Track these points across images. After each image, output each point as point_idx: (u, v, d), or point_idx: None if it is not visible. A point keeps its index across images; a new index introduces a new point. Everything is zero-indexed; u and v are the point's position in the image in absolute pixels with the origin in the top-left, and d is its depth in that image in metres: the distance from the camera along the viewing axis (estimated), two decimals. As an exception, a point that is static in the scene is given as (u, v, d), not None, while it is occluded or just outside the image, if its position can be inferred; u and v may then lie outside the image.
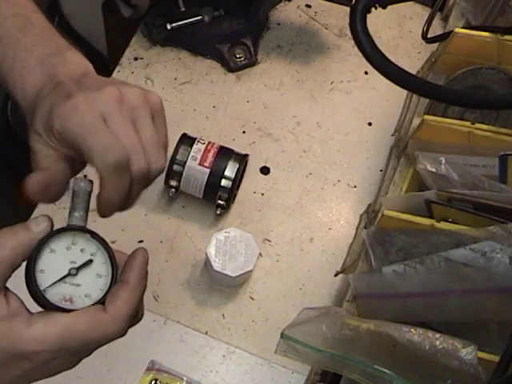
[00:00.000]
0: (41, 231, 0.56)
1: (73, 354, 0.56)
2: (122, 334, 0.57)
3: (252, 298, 1.06)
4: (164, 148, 0.61)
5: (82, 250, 0.56)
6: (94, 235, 0.58)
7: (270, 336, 0.99)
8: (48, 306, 0.55)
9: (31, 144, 0.60)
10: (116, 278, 0.57)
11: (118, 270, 0.57)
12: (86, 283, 0.56)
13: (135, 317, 0.58)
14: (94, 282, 0.56)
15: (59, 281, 0.55)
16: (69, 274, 0.55)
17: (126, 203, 0.60)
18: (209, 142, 1.08)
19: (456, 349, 0.65)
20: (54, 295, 0.55)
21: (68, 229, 0.57)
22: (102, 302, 0.56)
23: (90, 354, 0.57)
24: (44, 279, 0.55)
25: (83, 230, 0.58)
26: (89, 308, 0.55)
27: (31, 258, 0.55)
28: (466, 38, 0.91)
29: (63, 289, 0.55)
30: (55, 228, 0.57)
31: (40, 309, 0.56)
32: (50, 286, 0.55)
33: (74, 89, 0.59)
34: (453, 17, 1.08)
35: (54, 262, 0.55)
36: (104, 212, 0.60)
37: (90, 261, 0.56)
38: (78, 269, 0.56)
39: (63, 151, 0.58)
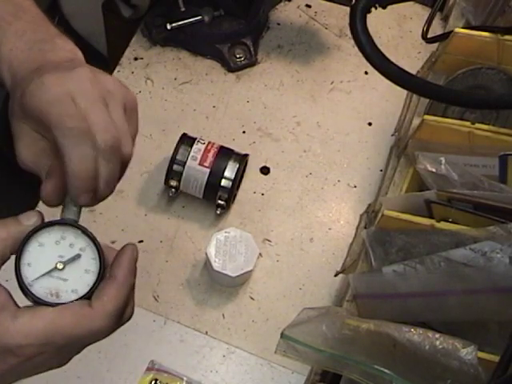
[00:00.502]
0: (31, 225, 0.56)
1: (59, 349, 0.55)
2: (110, 331, 0.56)
3: (252, 298, 1.06)
4: (132, 140, 0.60)
5: (70, 245, 0.56)
6: (84, 230, 0.57)
7: (269, 336, 0.99)
8: (34, 300, 0.55)
9: (12, 125, 0.59)
10: (104, 274, 0.56)
11: (106, 266, 0.57)
12: (73, 278, 0.56)
13: (123, 313, 0.57)
14: (81, 278, 0.56)
15: (46, 274, 0.55)
16: (55, 268, 0.55)
17: (94, 184, 0.57)
18: (209, 142, 1.08)
19: (456, 349, 0.65)
20: (40, 289, 0.55)
21: (57, 223, 0.57)
22: (88, 297, 0.56)
23: (79, 351, 0.57)
24: (31, 272, 0.55)
25: (73, 224, 0.57)
26: (74, 303, 0.55)
27: (18, 250, 0.55)
28: (466, 38, 0.91)
29: (50, 283, 0.55)
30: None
31: (28, 302, 0.56)
32: (36, 279, 0.55)
33: (49, 69, 0.58)
34: (453, 17, 1.08)
35: (41, 256, 0.55)
36: (74, 191, 0.57)
37: (78, 256, 0.56)
38: (66, 263, 0.55)
39: (38, 132, 0.58)
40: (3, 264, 0.55)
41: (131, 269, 0.57)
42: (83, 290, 0.56)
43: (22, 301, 0.55)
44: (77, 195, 0.57)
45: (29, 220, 0.56)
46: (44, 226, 0.56)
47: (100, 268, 0.56)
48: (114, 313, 0.55)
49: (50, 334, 0.53)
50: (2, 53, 0.62)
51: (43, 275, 0.55)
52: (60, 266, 0.55)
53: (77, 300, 0.55)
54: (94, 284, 0.56)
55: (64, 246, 0.56)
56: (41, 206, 1.08)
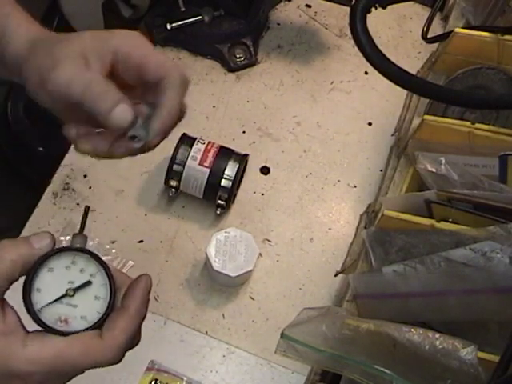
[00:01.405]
0: (42, 247, 0.55)
1: (64, 376, 0.55)
2: (117, 361, 0.56)
3: (252, 298, 1.06)
4: None
5: (81, 271, 0.55)
6: (95, 256, 0.56)
7: (269, 336, 0.99)
8: (42, 326, 0.54)
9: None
10: (114, 302, 0.55)
11: (116, 294, 0.56)
12: (82, 305, 0.55)
13: (131, 343, 0.57)
14: (91, 304, 0.55)
15: (55, 301, 0.54)
16: (66, 295, 0.54)
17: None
18: (209, 142, 1.08)
19: (456, 349, 0.65)
20: (49, 315, 0.54)
21: (69, 249, 0.56)
22: (98, 325, 0.55)
23: (82, 373, 0.57)
24: (40, 298, 0.54)
25: (84, 250, 0.56)
26: (85, 333, 0.54)
27: (28, 275, 0.54)
28: (465, 38, 0.91)
29: (59, 309, 0.54)
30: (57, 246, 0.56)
31: (35, 325, 0.55)
32: (46, 305, 0.54)
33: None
34: (453, 17, 1.08)
35: (51, 281, 0.54)
36: (163, 129, 0.61)
37: (89, 282, 0.55)
38: (76, 290, 0.55)
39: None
40: (11, 285, 0.55)
41: (144, 300, 0.56)
42: (93, 317, 0.55)
43: (30, 323, 0.55)
44: (163, 132, 0.61)
45: (40, 243, 0.55)
46: (55, 251, 0.55)
47: (111, 295, 0.55)
48: (123, 345, 0.55)
49: (59, 364, 0.54)
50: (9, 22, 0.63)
51: (53, 302, 0.54)
52: (70, 292, 0.55)
53: (87, 329, 0.55)
54: (105, 312, 0.55)
55: (74, 272, 0.55)
56: (41, 206, 1.08)
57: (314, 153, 1.19)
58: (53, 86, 0.58)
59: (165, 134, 0.61)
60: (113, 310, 0.55)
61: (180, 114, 0.62)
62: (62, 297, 0.54)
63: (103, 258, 0.56)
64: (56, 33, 0.63)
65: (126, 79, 0.61)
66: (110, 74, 0.60)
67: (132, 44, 0.61)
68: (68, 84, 0.58)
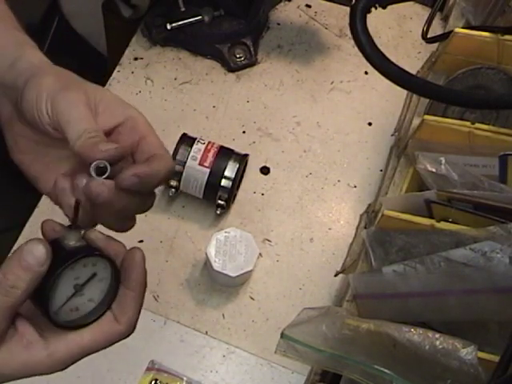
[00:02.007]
0: (43, 263, 0.53)
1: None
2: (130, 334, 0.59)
3: (252, 298, 1.06)
4: None
5: (84, 265, 0.55)
6: (93, 251, 0.56)
7: (269, 336, 0.99)
8: (63, 328, 0.55)
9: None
10: (119, 279, 0.57)
11: (119, 272, 0.57)
12: (89, 290, 0.56)
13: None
14: (96, 287, 0.56)
15: (67, 300, 0.55)
16: (76, 292, 0.55)
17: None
18: (209, 142, 1.08)
19: (456, 349, 0.65)
20: (64, 313, 0.55)
21: (72, 259, 0.55)
22: (105, 303, 0.56)
23: None
24: (54, 304, 0.54)
25: (86, 254, 0.55)
26: (103, 322, 0.56)
27: (42, 298, 0.54)
28: (465, 38, 0.91)
29: (70, 303, 0.55)
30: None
31: None
32: (60, 308, 0.55)
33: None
34: (453, 17, 1.08)
35: (60, 285, 0.54)
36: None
37: (94, 274, 0.56)
38: (84, 284, 0.55)
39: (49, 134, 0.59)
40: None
41: (145, 274, 0.58)
42: (98, 296, 0.56)
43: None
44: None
45: (39, 262, 0.53)
46: (59, 270, 0.54)
47: (114, 275, 0.56)
48: (136, 322, 0.58)
49: (85, 355, 0.56)
50: None
51: (65, 302, 0.55)
52: (79, 288, 0.55)
53: (95, 308, 0.56)
54: (109, 289, 0.56)
55: (78, 268, 0.55)
56: (41, 206, 1.08)
57: (313, 153, 1.19)
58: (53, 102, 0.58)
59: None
60: (118, 286, 0.57)
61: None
62: (73, 295, 0.55)
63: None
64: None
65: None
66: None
67: (142, 120, 0.63)
68: (68, 108, 0.58)
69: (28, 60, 0.62)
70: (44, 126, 0.59)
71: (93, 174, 0.56)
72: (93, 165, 0.56)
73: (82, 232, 0.58)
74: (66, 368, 0.55)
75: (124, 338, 0.58)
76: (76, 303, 0.56)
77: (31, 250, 0.52)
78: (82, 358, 0.56)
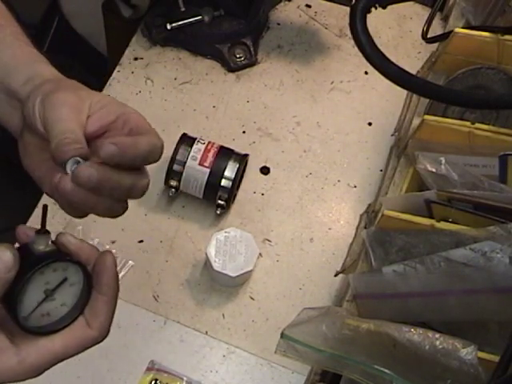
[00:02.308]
0: (10, 269, 0.52)
1: None
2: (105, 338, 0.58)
3: (252, 298, 1.06)
4: None
5: (54, 270, 0.55)
6: (63, 256, 0.56)
7: (269, 336, 0.99)
8: (33, 333, 0.54)
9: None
10: (91, 284, 0.56)
11: (91, 276, 0.56)
12: (60, 295, 0.55)
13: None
14: (67, 292, 0.56)
15: (38, 306, 0.55)
16: (46, 297, 0.55)
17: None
18: (209, 142, 1.08)
19: (456, 349, 0.65)
20: (34, 319, 0.54)
21: (40, 265, 0.54)
22: (77, 307, 0.56)
23: None
24: (23, 308, 0.54)
25: (55, 259, 0.55)
26: (75, 328, 0.55)
27: (12, 294, 0.53)
28: (465, 38, 0.91)
29: (42, 309, 0.55)
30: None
31: None
32: (30, 313, 0.54)
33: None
34: (453, 17, 1.08)
35: (29, 290, 0.54)
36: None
37: (65, 278, 0.55)
38: (54, 289, 0.55)
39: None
40: None
41: (116, 278, 0.58)
42: (71, 300, 0.56)
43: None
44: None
45: (7, 267, 0.52)
46: (28, 275, 0.53)
47: (84, 279, 0.56)
48: (109, 325, 0.57)
49: (58, 362, 0.55)
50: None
51: (36, 307, 0.54)
52: (50, 293, 0.55)
53: (68, 314, 0.55)
54: (81, 295, 0.56)
55: (48, 273, 0.55)
56: (41, 206, 1.08)
57: (313, 153, 1.19)
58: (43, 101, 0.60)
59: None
60: (90, 291, 0.56)
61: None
62: (43, 300, 0.55)
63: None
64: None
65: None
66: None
67: (135, 114, 0.63)
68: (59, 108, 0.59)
69: (41, 75, 0.64)
70: (38, 128, 0.60)
71: (68, 170, 0.57)
72: (69, 162, 0.57)
73: (55, 236, 0.57)
74: (38, 375, 0.54)
75: (97, 343, 0.56)
76: (47, 308, 0.55)
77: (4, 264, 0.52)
78: (55, 364, 0.55)
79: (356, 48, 0.73)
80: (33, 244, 0.56)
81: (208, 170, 1.06)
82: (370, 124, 1.22)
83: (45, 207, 0.56)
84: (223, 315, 1.04)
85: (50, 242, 0.56)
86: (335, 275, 0.97)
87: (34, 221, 1.07)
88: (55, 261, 0.55)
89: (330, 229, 1.12)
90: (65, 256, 0.56)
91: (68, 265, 0.55)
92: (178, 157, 1.06)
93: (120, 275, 1.03)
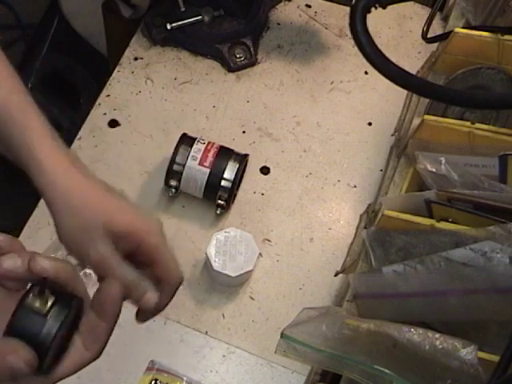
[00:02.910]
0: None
1: None
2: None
3: (252, 298, 1.06)
4: None
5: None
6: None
7: (269, 336, 0.99)
8: None
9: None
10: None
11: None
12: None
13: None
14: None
15: None
16: None
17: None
18: (209, 142, 1.08)
19: (456, 349, 0.65)
20: None
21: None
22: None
23: None
24: None
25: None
26: (74, 355, 0.56)
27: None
28: (465, 38, 0.91)
29: None
30: None
31: None
32: None
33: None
34: (453, 17, 1.08)
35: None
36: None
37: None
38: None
39: None
40: None
41: (120, 309, 0.59)
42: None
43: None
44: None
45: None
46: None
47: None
48: (104, 348, 0.58)
49: None
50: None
51: None
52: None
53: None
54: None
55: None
56: (41, 206, 1.08)
57: (313, 153, 1.19)
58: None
59: None
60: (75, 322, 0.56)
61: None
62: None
63: None
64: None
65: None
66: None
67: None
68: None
69: (30, 148, 0.64)
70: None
71: None
72: None
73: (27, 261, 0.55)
74: None
75: (91, 362, 0.58)
76: None
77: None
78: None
79: (356, 48, 0.73)
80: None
81: (208, 170, 1.06)
82: (370, 124, 1.22)
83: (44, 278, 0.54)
84: (223, 315, 1.04)
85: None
86: (335, 275, 0.97)
87: (34, 221, 1.06)
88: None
89: (330, 229, 1.12)
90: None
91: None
92: (177, 157, 1.06)
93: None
